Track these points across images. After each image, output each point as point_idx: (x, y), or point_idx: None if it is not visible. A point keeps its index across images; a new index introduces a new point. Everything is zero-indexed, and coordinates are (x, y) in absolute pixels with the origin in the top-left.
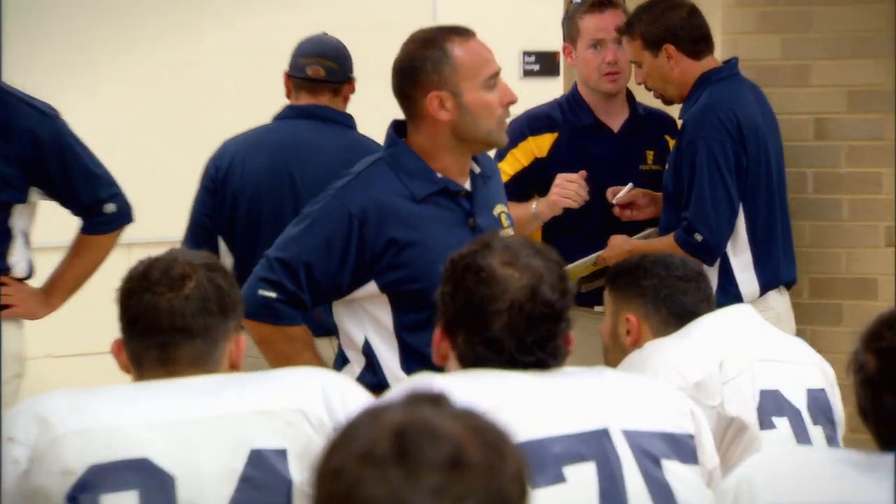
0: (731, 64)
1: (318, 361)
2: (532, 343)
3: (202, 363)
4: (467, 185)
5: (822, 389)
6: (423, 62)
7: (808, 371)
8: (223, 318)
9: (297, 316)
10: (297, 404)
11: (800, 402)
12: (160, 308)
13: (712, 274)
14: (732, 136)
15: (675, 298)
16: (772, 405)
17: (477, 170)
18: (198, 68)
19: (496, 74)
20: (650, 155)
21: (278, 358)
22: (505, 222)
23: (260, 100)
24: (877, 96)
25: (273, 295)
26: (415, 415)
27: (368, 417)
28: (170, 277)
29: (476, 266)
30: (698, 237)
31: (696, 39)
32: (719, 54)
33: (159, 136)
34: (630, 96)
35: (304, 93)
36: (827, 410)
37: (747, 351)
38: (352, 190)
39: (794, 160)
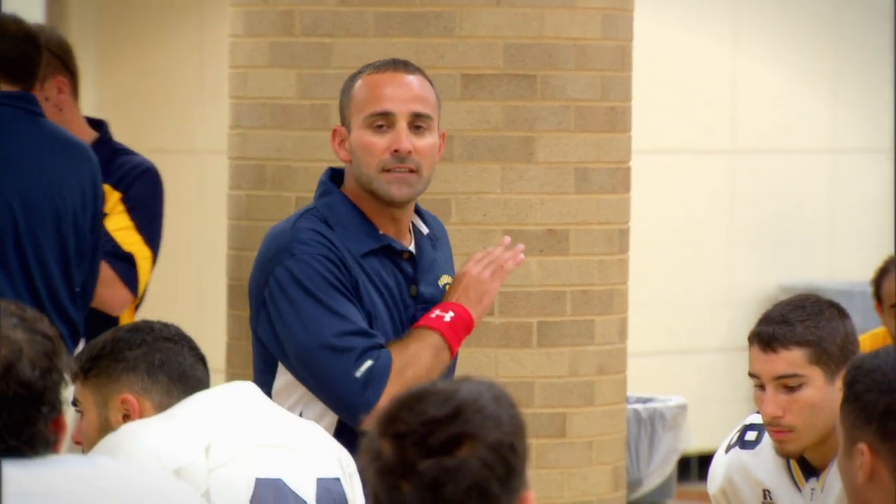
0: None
1: None
2: (2, 428)
3: None
4: (411, 247)
5: (337, 479)
6: (340, 94)
7: (319, 459)
8: None
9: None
10: None
11: (307, 492)
12: None
13: None
14: None
15: (172, 363)
16: (272, 496)
17: (424, 230)
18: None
19: (385, 114)
20: None
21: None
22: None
23: None
24: None
25: (369, 363)
26: None
27: None
28: None
29: None
30: None
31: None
32: (227, 90)
33: None
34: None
35: None
36: (342, 502)
37: (243, 434)
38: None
39: None
